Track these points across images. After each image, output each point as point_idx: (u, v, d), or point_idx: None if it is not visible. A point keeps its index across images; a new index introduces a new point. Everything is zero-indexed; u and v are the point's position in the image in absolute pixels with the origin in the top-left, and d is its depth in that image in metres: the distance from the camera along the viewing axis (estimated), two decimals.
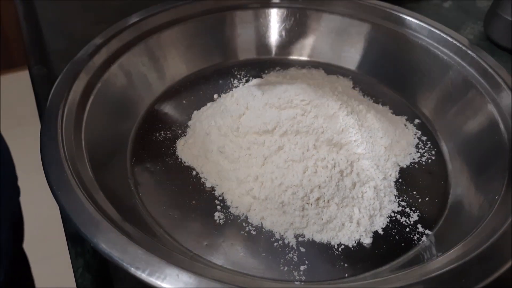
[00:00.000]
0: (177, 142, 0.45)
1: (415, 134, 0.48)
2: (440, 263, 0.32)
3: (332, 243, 0.38)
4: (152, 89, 0.49)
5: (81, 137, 0.39)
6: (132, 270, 0.28)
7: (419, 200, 0.41)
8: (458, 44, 0.49)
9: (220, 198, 0.41)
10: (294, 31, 0.56)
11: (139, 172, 0.42)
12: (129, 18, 0.49)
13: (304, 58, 0.57)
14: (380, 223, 0.39)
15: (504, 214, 0.34)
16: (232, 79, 0.54)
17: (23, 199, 0.64)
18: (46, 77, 0.51)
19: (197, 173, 0.43)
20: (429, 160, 0.45)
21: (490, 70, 0.46)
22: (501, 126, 0.42)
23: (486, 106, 0.44)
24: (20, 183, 0.64)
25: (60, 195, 0.32)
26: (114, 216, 0.33)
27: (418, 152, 0.46)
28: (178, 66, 0.52)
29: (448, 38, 0.50)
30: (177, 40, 0.52)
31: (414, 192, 0.42)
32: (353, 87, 0.53)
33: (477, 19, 0.67)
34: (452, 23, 0.66)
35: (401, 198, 0.41)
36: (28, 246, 0.67)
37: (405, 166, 0.44)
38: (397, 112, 0.50)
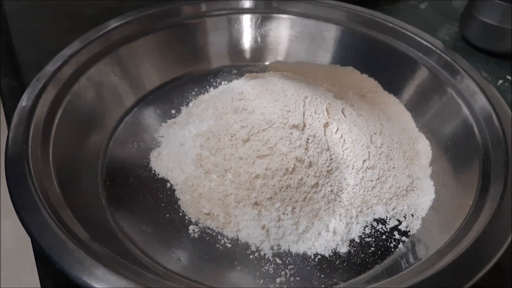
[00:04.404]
0: (151, 153, 0.44)
1: None
2: (414, 272, 0.32)
3: (309, 253, 0.37)
4: (124, 100, 0.48)
5: (48, 153, 0.38)
6: None
7: (396, 206, 0.41)
8: (432, 47, 0.49)
9: None
10: (269, 36, 0.55)
11: (111, 186, 0.41)
12: (99, 27, 0.48)
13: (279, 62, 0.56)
14: (356, 231, 0.39)
15: (478, 221, 0.34)
16: (208, 87, 0.53)
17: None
18: (16, 89, 0.50)
19: (171, 185, 0.42)
20: None
21: (464, 73, 0.46)
22: (475, 129, 0.42)
23: (460, 109, 0.44)
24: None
25: (24, 214, 0.31)
26: (81, 236, 0.32)
27: None
28: (151, 75, 0.51)
29: (422, 41, 0.50)
30: (149, 48, 0.51)
31: (391, 198, 0.42)
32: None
33: (454, 20, 0.67)
34: (429, 24, 0.66)
35: (378, 204, 0.41)
36: None
37: (382, 171, 0.44)
38: None
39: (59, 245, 0.30)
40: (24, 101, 0.39)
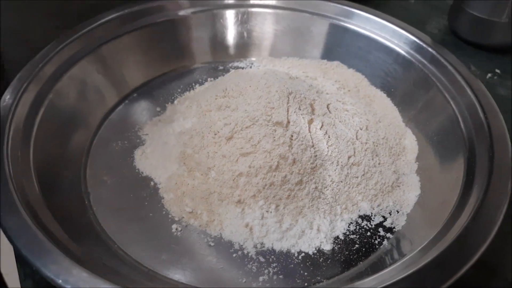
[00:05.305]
0: (135, 152, 0.44)
1: None
2: (397, 270, 0.31)
3: (292, 251, 0.37)
4: (108, 98, 0.48)
5: (29, 153, 0.37)
6: None
7: (382, 202, 0.41)
8: (419, 41, 0.49)
9: None
10: (255, 32, 0.55)
11: (94, 186, 0.41)
12: (81, 25, 0.48)
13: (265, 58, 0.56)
14: (341, 228, 0.39)
15: (461, 216, 0.34)
16: (193, 84, 0.52)
17: None
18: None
19: (155, 184, 0.42)
20: None
21: (450, 67, 0.45)
22: (461, 124, 0.42)
23: (447, 104, 0.44)
24: None
25: (2, 214, 0.31)
26: (60, 237, 0.31)
27: None
28: (135, 72, 0.51)
29: (409, 35, 0.50)
30: (132, 46, 0.50)
31: (377, 194, 0.41)
32: None
33: (443, 13, 0.67)
34: (418, 18, 0.66)
35: (363, 201, 0.41)
36: None
37: (367, 167, 0.43)
38: None
39: (36, 246, 0.29)
40: (5, 100, 0.39)
